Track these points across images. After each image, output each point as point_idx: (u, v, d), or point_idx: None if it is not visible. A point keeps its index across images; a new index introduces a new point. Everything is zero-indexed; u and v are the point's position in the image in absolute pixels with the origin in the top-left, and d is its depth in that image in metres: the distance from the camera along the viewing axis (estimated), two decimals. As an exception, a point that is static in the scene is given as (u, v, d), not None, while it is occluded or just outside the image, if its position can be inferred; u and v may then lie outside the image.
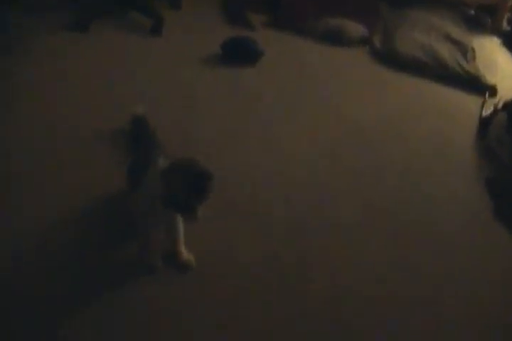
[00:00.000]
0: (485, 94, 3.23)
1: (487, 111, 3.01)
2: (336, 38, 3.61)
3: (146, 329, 1.68)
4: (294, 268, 1.97)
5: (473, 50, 3.62)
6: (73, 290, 1.76)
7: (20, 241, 1.89)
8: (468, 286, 2.02)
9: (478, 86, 3.32)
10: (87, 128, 2.44)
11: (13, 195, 2.07)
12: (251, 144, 2.58)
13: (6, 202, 2.04)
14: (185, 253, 1.92)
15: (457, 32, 3.79)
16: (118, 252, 1.92)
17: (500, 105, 2.96)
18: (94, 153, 2.29)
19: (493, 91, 3.28)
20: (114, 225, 1.98)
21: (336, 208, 2.27)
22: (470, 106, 3.15)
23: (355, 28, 3.70)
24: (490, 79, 3.37)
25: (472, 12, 4.12)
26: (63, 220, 1.99)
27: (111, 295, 1.76)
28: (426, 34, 3.70)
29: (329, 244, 2.10)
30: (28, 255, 1.85)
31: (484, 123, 2.95)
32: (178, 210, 1.68)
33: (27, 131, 2.39)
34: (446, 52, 3.53)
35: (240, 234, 2.07)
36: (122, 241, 1.94)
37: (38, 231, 1.94)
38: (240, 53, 3.20)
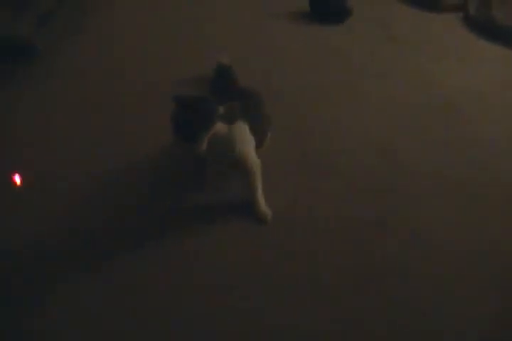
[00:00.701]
0: None
1: None
2: (430, 3, 3.45)
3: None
4: (374, 231, 1.93)
5: None
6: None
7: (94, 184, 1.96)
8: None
9: None
10: (170, 76, 2.48)
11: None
12: (336, 100, 2.54)
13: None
14: (263, 206, 1.94)
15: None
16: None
17: None
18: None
19: None
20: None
21: (416, 174, 2.20)
22: None
23: (450, -7, 3.52)
24: None
25: None
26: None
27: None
28: (526, 2, 3.49)
29: (411, 207, 2.04)
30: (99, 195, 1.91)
31: None
32: (181, 140, 1.67)
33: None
34: (547, 22, 3.31)
35: (320, 193, 2.05)
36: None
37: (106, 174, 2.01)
38: (328, 11, 3.11)
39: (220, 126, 1.70)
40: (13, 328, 1.56)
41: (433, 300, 1.70)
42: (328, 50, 2.89)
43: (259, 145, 1.98)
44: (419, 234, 1.92)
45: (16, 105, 2.28)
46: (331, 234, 1.90)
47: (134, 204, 1.93)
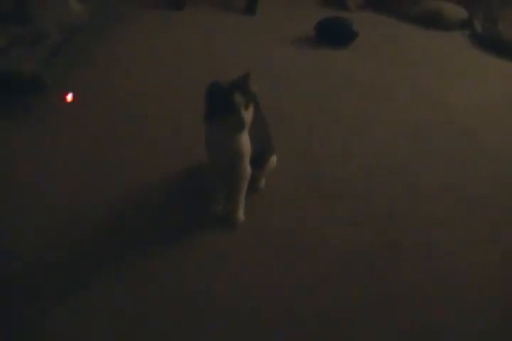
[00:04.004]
0: None
1: None
2: (434, 21, 3.46)
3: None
4: (385, 254, 1.90)
5: None
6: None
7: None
8: None
9: None
10: (182, 105, 2.50)
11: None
12: (346, 123, 2.54)
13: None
14: (241, 212, 1.97)
15: None
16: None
17: None
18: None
19: None
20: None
21: (427, 197, 2.17)
22: None
23: (455, 11, 3.53)
24: None
25: None
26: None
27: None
28: (532, 17, 3.48)
29: (421, 235, 2.01)
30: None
31: None
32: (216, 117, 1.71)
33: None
34: (555, 37, 3.30)
35: (328, 218, 2.03)
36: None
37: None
38: (333, 34, 3.13)
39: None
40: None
41: (445, 323, 1.67)
42: (336, 73, 2.90)
43: (262, 163, 2.00)
44: (430, 257, 1.90)
45: (18, 138, 2.30)
46: (342, 257, 1.88)
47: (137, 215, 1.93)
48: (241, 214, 1.97)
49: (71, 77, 2.64)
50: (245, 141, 1.81)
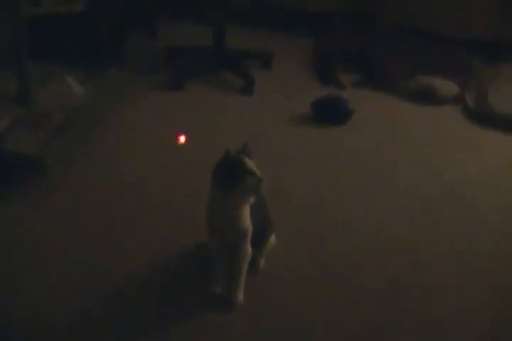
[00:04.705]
0: None
1: None
2: (428, 97, 3.54)
3: None
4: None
5: None
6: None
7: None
8: None
9: None
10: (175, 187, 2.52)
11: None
12: (347, 200, 2.56)
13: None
14: (239, 294, 1.93)
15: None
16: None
17: None
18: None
19: None
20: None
21: (431, 274, 2.16)
22: None
23: (447, 86, 3.62)
24: None
25: None
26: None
27: None
28: (522, 90, 3.57)
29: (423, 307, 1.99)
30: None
31: None
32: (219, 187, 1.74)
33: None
34: (544, 109, 3.37)
35: (329, 298, 2.01)
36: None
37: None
38: (330, 113, 3.20)
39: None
40: None
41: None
42: (334, 150, 2.95)
43: (262, 242, 2.00)
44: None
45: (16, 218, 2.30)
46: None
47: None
48: (240, 296, 1.94)
49: (72, 158, 2.67)
50: (248, 219, 1.81)
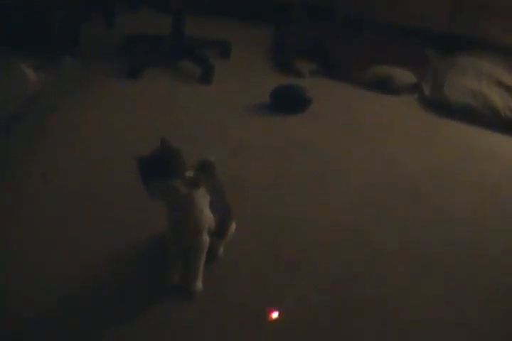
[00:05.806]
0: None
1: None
2: (385, 86, 3.59)
3: None
4: (351, 323, 1.88)
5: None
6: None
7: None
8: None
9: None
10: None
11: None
12: (302, 188, 2.56)
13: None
14: (197, 282, 1.92)
15: (509, 78, 3.72)
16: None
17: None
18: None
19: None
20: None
21: (385, 262, 2.18)
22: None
23: (404, 76, 3.68)
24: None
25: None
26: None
27: None
28: (476, 80, 3.63)
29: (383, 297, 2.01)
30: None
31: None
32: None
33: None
34: (498, 98, 3.44)
35: (288, 285, 2.02)
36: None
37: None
38: (288, 101, 3.21)
39: (183, 188, 1.68)
40: None
41: None
42: (291, 139, 2.95)
43: (222, 231, 1.99)
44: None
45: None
46: (305, 325, 1.85)
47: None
48: (199, 284, 1.93)
49: (28, 149, 2.61)
50: (202, 215, 1.81)
